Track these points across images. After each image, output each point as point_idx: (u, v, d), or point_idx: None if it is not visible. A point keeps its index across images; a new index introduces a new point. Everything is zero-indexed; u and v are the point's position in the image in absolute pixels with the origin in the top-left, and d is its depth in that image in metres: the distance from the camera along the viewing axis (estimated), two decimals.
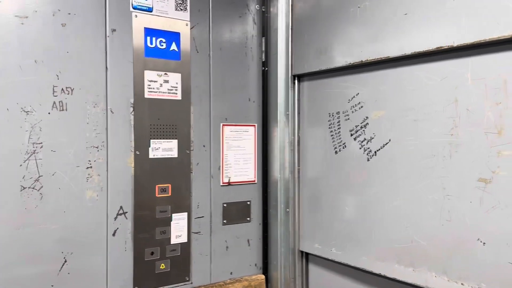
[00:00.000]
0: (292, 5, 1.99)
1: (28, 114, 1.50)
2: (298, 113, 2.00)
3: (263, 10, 2.08)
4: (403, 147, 1.49)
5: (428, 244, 1.42)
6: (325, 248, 1.85)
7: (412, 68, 1.46)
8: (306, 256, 2.04)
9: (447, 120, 1.35)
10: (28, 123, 1.51)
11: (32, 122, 1.51)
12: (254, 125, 2.07)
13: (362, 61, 1.60)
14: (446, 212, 1.36)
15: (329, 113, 1.81)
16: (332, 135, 1.80)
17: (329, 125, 1.81)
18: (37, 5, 1.51)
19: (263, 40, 2.08)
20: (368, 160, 1.63)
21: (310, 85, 1.93)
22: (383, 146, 1.56)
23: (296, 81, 1.99)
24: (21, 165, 1.50)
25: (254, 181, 2.08)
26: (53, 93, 1.55)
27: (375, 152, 1.59)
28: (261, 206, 2.09)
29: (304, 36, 1.91)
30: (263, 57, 2.08)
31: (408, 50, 1.44)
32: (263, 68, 2.07)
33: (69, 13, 1.57)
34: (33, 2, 1.51)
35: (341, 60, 1.70)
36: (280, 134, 2.02)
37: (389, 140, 1.54)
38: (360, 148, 1.66)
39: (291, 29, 1.98)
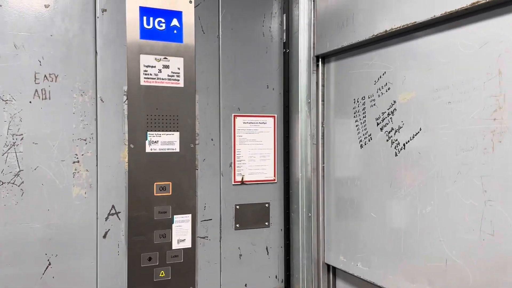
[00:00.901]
0: None
1: (7, 103, 1.39)
2: (323, 101, 1.69)
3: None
4: (435, 137, 1.14)
5: (465, 264, 1.06)
6: (350, 262, 1.53)
7: (444, 35, 1.10)
8: (333, 270, 1.72)
9: (488, 100, 0.99)
10: (7, 113, 1.39)
11: (11, 112, 1.40)
12: (274, 116, 1.80)
13: (386, 31, 1.26)
14: (487, 224, 0.99)
15: (354, 99, 1.49)
16: (357, 126, 1.47)
17: (354, 113, 1.49)
18: None
19: (284, 17, 1.80)
20: (396, 155, 1.29)
21: (334, 66, 1.62)
22: (413, 138, 1.21)
23: (319, 63, 1.69)
24: None
25: (274, 180, 1.81)
26: (35, 80, 1.42)
27: (404, 145, 1.25)
28: (283, 209, 1.82)
29: (327, 7, 1.61)
30: (284, 37, 1.80)
31: (438, 11, 1.09)
32: (284, 50, 1.80)
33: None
34: None
35: (363, 32, 1.37)
36: (302, 126, 1.73)
37: (419, 130, 1.19)
38: (387, 140, 1.32)
39: (313, 0, 1.68)
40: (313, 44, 1.68)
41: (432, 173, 1.15)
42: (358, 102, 1.47)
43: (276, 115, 1.80)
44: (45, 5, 1.43)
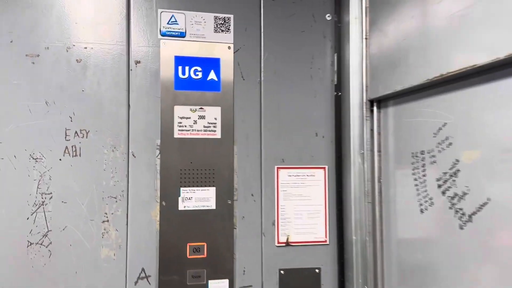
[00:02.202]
0: (366, 8, 1.48)
1: (37, 161, 1.37)
2: (379, 151, 1.45)
3: (335, 19, 1.62)
4: (508, 212, 0.85)
5: None
6: None
7: None
8: None
9: None
10: (37, 171, 1.37)
11: (41, 170, 1.37)
12: (324, 167, 1.59)
13: (442, 74, 1.02)
14: None
15: (412, 153, 1.23)
16: (416, 185, 1.21)
17: (413, 170, 1.23)
18: (49, 41, 1.40)
19: (335, 57, 1.61)
20: (461, 227, 1.00)
21: (391, 112, 1.38)
22: (480, 208, 0.93)
23: (374, 108, 1.45)
24: (28, 218, 1.36)
25: (325, 241, 1.57)
26: (66, 137, 1.39)
27: (470, 216, 0.97)
28: (337, 277, 1.57)
29: (380, 46, 1.39)
30: (335, 79, 1.60)
31: (502, 52, 0.83)
32: (336, 93, 1.60)
33: (85, 47, 1.42)
34: (45, 38, 1.40)
35: (418, 75, 1.13)
36: (355, 181, 1.49)
37: (488, 200, 0.91)
38: (451, 208, 1.04)
39: (366, 38, 1.47)
40: (366, 86, 1.46)
41: (506, 257, 0.86)
42: (416, 157, 1.21)
43: (327, 167, 1.59)
44: (77, 59, 1.41)
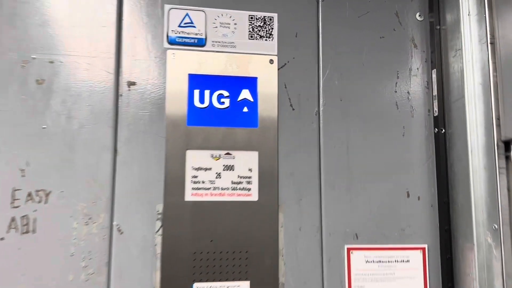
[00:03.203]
0: (492, 3, 0.94)
1: None
2: None
3: (431, 19, 1.08)
4: None
5: None
6: None
7: None
8: None
9: None
10: None
11: None
12: (423, 248, 1.00)
13: None
14: None
15: None
16: None
17: None
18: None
19: (434, 74, 1.05)
20: None
21: None
22: None
23: (511, 155, 0.88)
24: None
25: None
26: (12, 202, 0.87)
27: None
28: None
29: None
30: (436, 108, 1.04)
31: None
32: (438, 129, 1.03)
33: (51, 61, 0.92)
34: None
35: None
36: (481, 274, 0.90)
37: None
38: None
39: (490, 43, 0.92)
40: (496, 119, 0.89)
41: None
42: None
43: (426, 246, 1.00)
44: (37, 80, 0.90)
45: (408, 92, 1.05)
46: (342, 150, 1.00)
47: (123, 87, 0.94)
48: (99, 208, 0.90)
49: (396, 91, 1.04)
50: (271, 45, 1.01)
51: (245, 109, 0.98)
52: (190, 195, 0.93)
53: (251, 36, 1.01)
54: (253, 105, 0.98)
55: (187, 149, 0.94)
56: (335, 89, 1.02)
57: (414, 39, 1.07)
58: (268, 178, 0.96)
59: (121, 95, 0.94)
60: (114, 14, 0.95)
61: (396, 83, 1.05)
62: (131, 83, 0.94)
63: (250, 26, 1.01)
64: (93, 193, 0.90)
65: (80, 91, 0.92)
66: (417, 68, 1.06)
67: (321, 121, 1.00)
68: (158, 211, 0.92)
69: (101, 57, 0.94)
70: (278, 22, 1.02)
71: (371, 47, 1.05)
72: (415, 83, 1.06)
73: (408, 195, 1.01)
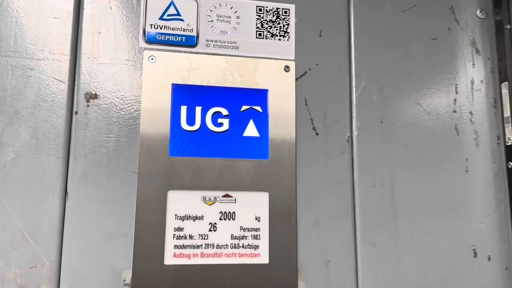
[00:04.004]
0: None
1: None
2: None
3: (497, 19, 0.82)
4: None
5: None
6: None
7: None
8: None
9: None
10: None
11: None
12: None
13: None
14: None
15: None
16: None
17: None
18: None
19: (503, 90, 0.79)
20: None
21: None
22: None
23: None
24: None
25: None
26: None
27: None
28: None
29: None
30: (508, 135, 0.77)
31: None
32: (510, 163, 0.76)
33: None
34: None
35: None
36: None
37: None
38: None
39: None
40: None
41: None
42: None
43: None
44: None
45: (470, 113, 0.78)
46: (385, 191, 0.72)
47: (80, 102, 0.67)
48: (39, 276, 0.62)
49: (455, 111, 0.77)
50: (287, 47, 0.74)
51: (251, 133, 0.70)
52: (171, 257, 0.65)
53: (260, 34, 0.74)
54: (262, 128, 0.71)
55: (169, 189, 0.66)
56: (374, 106, 0.75)
57: (476, 42, 0.81)
58: (283, 231, 0.68)
59: (76, 113, 0.66)
60: (70, 1, 0.69)
61: (455, 99, 0.78)
62: (91, 96, 0.67)
63: (258, 21, 0.74)
64: (31, 254, 0.62)
65: (18, 107, 0.64)
66: (481, 81, 0.80)
67: (354, 151, 0.73)
68: (124, 281, 0.63)
69: (50, 59, 0.67)
70: (296, 16, 0.75)
71: (420, 51, 0.78)
72: (479, 100, 0.79)
73: (475, 255, 0.73)
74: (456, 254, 0.72)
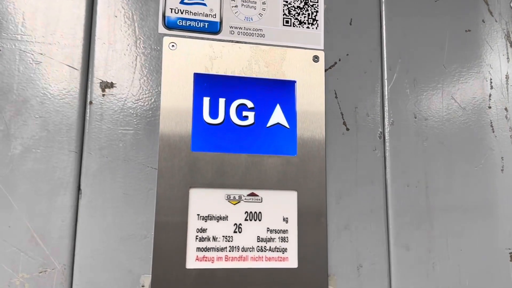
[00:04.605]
0: None
1: None
2: None
3: None
4: None
5: None
6: None
7: None
8: None
9: None
10: None
11: None
12: None
13: None
14: None
15: None
16: None
17: None
18: None
19: None
20: None
21: None
22: None
23: None
24: None
25: None
26: None
27: None
28: None
29: None
30: None
31: None
32: None
33: None
34: None
35: None
36: None
37: None
38: None
39: None
40: None
41: None
42: None
43: None
44: None
45: (506, 109, 0.74)
46: (419, 190, 0.68)
47: (95, 91, 0.61)
48: (49, 281, 0.56)
49: (490, 107, 0.73)
50: (316, 36, 0.69)
51: (278, 128, 0.65)
52: (194, 260, 0.60)
53: (287, 22, 0.69)
54: (289, 122, 0.66)
55: (191, 187, 0.61)
56: (407, 100, 0.70)
57: (510, 35, 0.77)
58: (313, 233, 0.64)
59: (91, 103, 0.61)
60: None
61: (490, 95, 0.74)
62: (107, 85, 0.62)
63: (286, 7, 0.69)
64: (41, 257, 0.56)
65: (26, 95, 0.59)
66: None
67: (387, 147, 0.68)
68: (143, 286, 0.58)
69: (62, 44, 0.61)
70: (325, 3, 0.71)
71: (454, 43, 0.74)
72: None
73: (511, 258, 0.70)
74: (492, 258, 0.69)
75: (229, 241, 0.61)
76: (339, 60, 0.69)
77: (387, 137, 0.68)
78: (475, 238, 0.69)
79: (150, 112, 0.62)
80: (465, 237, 0.68)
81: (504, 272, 0.69)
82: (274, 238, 0.63)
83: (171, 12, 0.65)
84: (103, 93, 0.61)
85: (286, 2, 0.69)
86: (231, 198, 0.63)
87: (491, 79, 0.74)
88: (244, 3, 0.68)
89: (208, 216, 0.61)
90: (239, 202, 0.63)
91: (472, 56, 0.74)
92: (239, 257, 0.61)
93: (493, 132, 0.72)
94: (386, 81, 0.70)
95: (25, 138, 0.58)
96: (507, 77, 0.75)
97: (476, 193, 0.70)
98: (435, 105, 0.71)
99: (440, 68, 0.72)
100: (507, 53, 0.76)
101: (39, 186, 0.57)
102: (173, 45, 0.64)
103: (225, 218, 0.62)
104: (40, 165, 0.57)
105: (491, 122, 0.73)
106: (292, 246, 0.63)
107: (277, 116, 0.65)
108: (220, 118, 0.64)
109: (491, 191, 0.70)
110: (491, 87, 0.74)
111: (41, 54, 0.60)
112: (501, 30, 0.77)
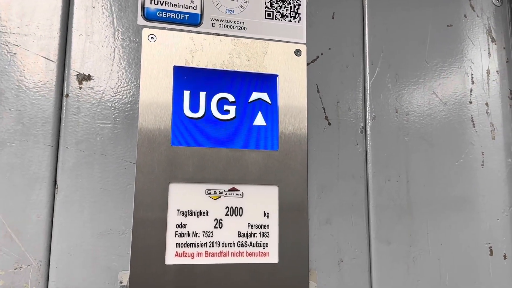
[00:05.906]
0: None
1: None
2: None
3: None
4: None
5: None
6: None
7: None
8: None
9: None
10: None
11: None
12: None
13: None
14: None
15: None
16: None
17: None
18: None
19: None
20: None
21: None
22: None
23: None
24: None
25: None
26: None
27: None
28: None
29: None
30: None
31: None
32: None
33: None
34: None
35: None
36: None
37: None
38: None
39: None
40: None
41: None
42: None
43: None
44: None
45: (486, 104, 0.74)
46: (400, 185, 0.68)
47: (72, 83, 0.60)
48: (25, 278, 0.55)
49: (471, 102, 0.74)
50: (298, 29, 0.69)
51: (260, 122, 0.65)
52: (173, 256, 0.59)
53: (269, 15, 0.68)
54: (271, 116, 0.65)
55: (171, 182, 0.60)
56: (389, 95, 0.70)
57: (491, 30, 0.77)
58: (294, 228, 0.63)
59: (67, 96, 0.59)
60: None
61: (471, 90, 0.74)
62: (84, 78, 0.60)
63: (268, 0, 0.69)
64: (16, 253, 0.55)
65: (1, 87, 0.57)
66: (497, 71, 0.76)
67: (368, 142, 0.68)
68: (121, 283, 0.57)
69: (38, 35, 0.59)
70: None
71: (436, 38, 0.74)
72: (495, 91, 0.75)
73: (491, 253, 0.70)
74: (472, 252, 0.69)
75: (209, 236, 0.61)
76: (321, 54, 0.69)
77: (368, 132, 0.68)
78: (455, 232, 0.69)
79: (129, 105, 0.61)
80: (445, 231, 0.69)
81: (484, 266, 0.69)
82: (255, 233, 0.62)
83: (151, 3, 0.64)
84: (80, 85, 0.60)
85: None
86: (212, 193, 0.62)
87: (472, 74, 0.75)
88: None
89: (188, 212, 0.61)
90: (220, 197, 0.62)
91: (453, 51, 0.75)
92: (219, 253, 0.61)
93: (474, 127, 0.73)
94: (368, 75, 0.70)
95: (0, 131, 0.56)
96: (488, 72, 0.75)
97: (457, 188, 0.70)
98: (417, 100, 0.71)
99: (422, 63, 0.73)
100: (488, 48, 0.77)
101: (14, 181, 0.56)
102: (152, 37, 0.63)
103: (206, 213, 0.61)
104: (15, 159, 0.56)
105: (472, 117, 0.73)
106: (273, 241, 0.62)
107: (259, 117, 0.65)
108: (201, 112, 0.63)
109: (471, 185, 0.71)
110: (472, 82, 0.74)
111: (16, 45, 0.58)
112: (483, 25, 0.77)
